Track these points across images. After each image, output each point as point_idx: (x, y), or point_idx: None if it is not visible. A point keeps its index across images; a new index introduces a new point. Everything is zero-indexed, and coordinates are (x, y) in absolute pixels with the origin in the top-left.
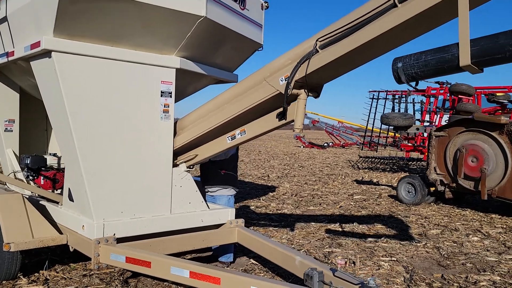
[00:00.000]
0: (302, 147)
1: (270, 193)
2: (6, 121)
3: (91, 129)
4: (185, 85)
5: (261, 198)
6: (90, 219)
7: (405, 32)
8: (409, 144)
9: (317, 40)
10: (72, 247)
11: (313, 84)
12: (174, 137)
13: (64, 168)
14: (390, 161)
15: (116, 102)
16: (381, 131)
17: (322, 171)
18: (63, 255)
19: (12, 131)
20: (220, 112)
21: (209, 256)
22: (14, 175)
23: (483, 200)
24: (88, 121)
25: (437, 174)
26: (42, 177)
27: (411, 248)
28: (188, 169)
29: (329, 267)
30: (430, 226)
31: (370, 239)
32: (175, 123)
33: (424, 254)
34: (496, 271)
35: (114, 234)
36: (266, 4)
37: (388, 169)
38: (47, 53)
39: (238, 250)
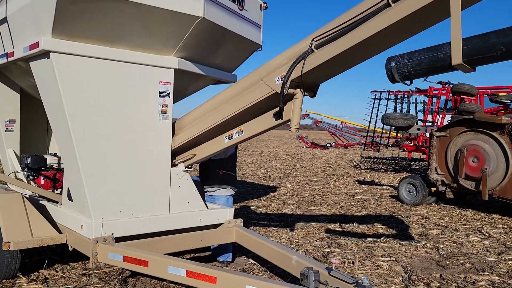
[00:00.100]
0: (304, 147)
1: (271, 193)
2: (7, 121)
3: (90, 129)
4: (184, 85)
5: (262, 198)
6: (88, 218)
7: (399, 31)
8: (411, 145)
9: (312, 40)
10: (71, 247)
11: (309, 84)
12: (172, 137)
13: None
14: (392, 161)
15: (114, 102)
16: (383, 131)
17: (324, 172)
18: (62, 254)
19: (12, 131)
20: (217, 112)
21: (208, 256)
22: (15, 175)
23: (484, 201)
24: (86, 121)
25: (438, 174)
26: (42, 177)
27: (410, 248)
28: (186, 169)
29: (325, 267)
30: (430, 226)
31: (369, 239)
32: (173, 123)
33: (423, 254)
34: (495, 271)
35: (113, 234)
36: (265, 4)
37: (390, 169)
38: (45, 54)
39: (237, 250)
